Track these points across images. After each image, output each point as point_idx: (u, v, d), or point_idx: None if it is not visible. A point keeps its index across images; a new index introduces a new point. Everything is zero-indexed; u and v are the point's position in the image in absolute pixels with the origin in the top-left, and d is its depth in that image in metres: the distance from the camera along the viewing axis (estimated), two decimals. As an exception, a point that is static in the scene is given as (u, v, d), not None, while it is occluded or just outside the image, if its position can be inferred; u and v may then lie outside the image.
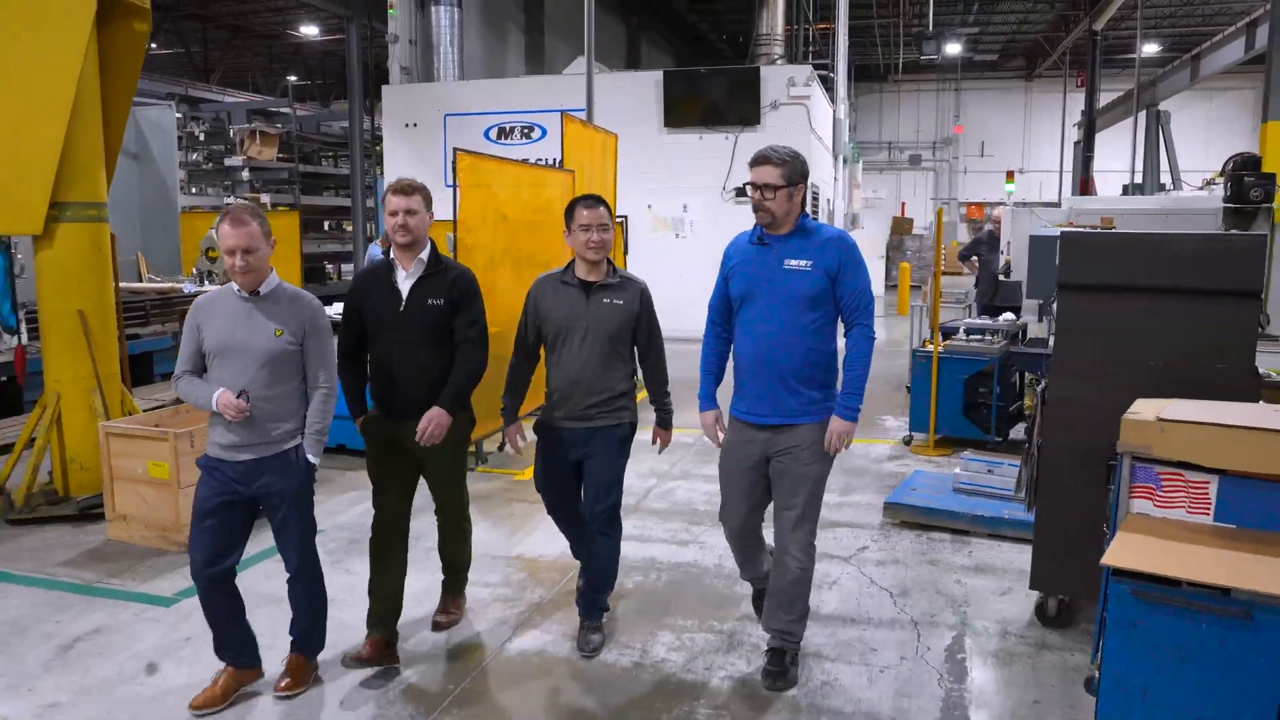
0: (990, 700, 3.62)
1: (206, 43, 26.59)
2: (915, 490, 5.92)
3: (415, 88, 15.51)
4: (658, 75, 14.39)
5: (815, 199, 14.88)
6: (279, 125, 18.05)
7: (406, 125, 15.38)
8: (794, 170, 3.60)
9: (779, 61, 17.32)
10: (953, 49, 26.67)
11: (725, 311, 3.83)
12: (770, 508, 3.82)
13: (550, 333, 3.98)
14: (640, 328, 4.03)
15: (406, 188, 3.85)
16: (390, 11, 15.15)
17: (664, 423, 4.16)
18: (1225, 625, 2.52)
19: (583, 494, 4.09)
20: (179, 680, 3.78)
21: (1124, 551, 2.77)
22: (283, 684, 3.68)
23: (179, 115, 17.05)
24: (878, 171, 32.61)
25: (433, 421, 3.75)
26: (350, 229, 19.17)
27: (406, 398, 3.85)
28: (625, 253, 14.32)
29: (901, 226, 28.25)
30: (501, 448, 6.80)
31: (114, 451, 5.41)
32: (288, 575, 3.71)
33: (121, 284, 7.14)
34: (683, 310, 12.62)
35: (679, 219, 14.43)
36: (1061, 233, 4.08)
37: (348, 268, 20.65)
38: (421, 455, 3.90)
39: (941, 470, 6.67)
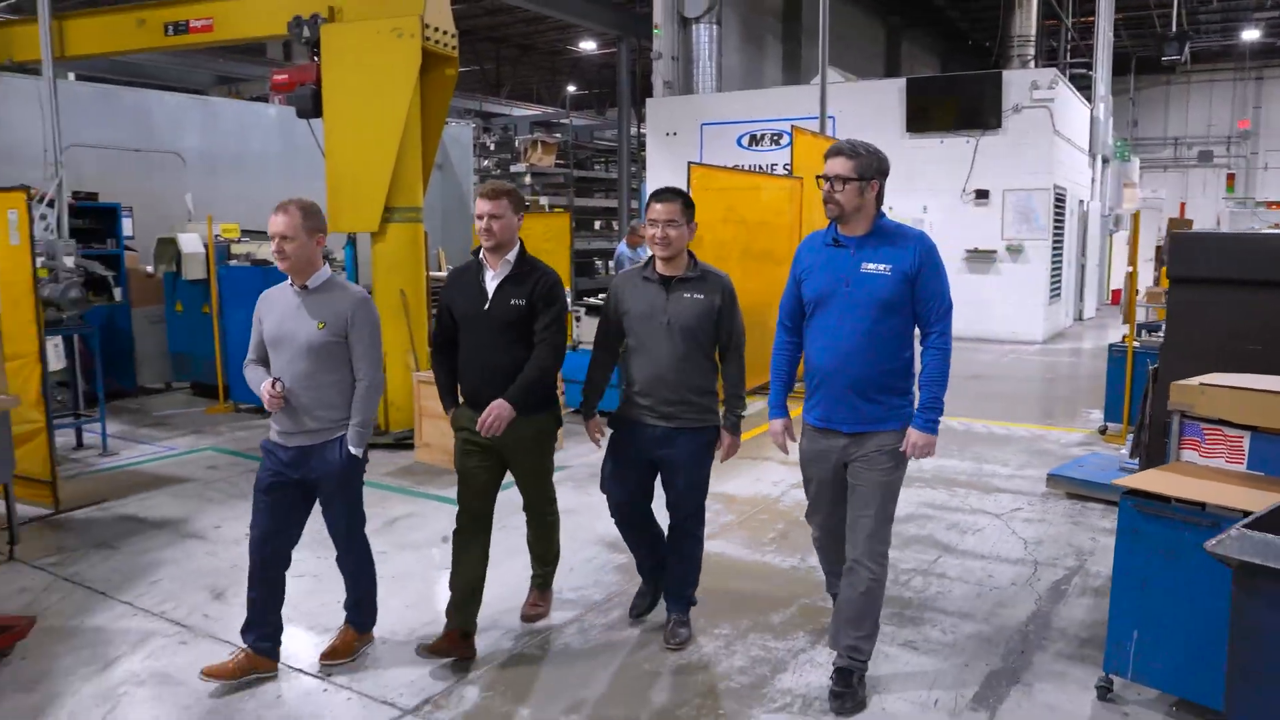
0: (1070, 618, 4.47)
1: (499, 60, 29.87)
2: (1082, 466, 6.61)
3: (675, 100, 17.16)
4: (901, 83, 15.14)
5: (1061, 200, 15.02)
6: (558, 135, 20.41)
7: (667, 134, 17.06)
8: (868, 165, 3.53)
9: (1031, 63, 17.43)
10: (1250, 35, 24.95)
11: (797, 315, 3.76)
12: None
13: (630, 327, 4.04)
14: (721, 323, 4.02)
15: (491, 192, 3.93)
16: (655, 31, 16.88)
17: (732, 429, 4.09)
18: (1200, 533, 3.35)
19: (666, 495, 4.11)
20: (464, 547, 5.36)
21: (1136, 479, 3.62)
22: (326, 652, 3.96)
23: (474, 125, 19.82)
24: (1161, 170, 30.84)
25: (493, 413, 3.82)
26: (617, 228, 21.26)
27: (488, 392, 3.93)
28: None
29: (1179, 228, 26.69)
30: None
31: (423, 395, 7.23)
32: (336, 554, 3.98)
33: (430, 274, 9.12)
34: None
35: (918, 220, 15.07)
36: (1170, 233, 4.79)
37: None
38: (505, 450, 4.01)
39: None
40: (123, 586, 4.77)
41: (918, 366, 3.68)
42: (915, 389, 3.66)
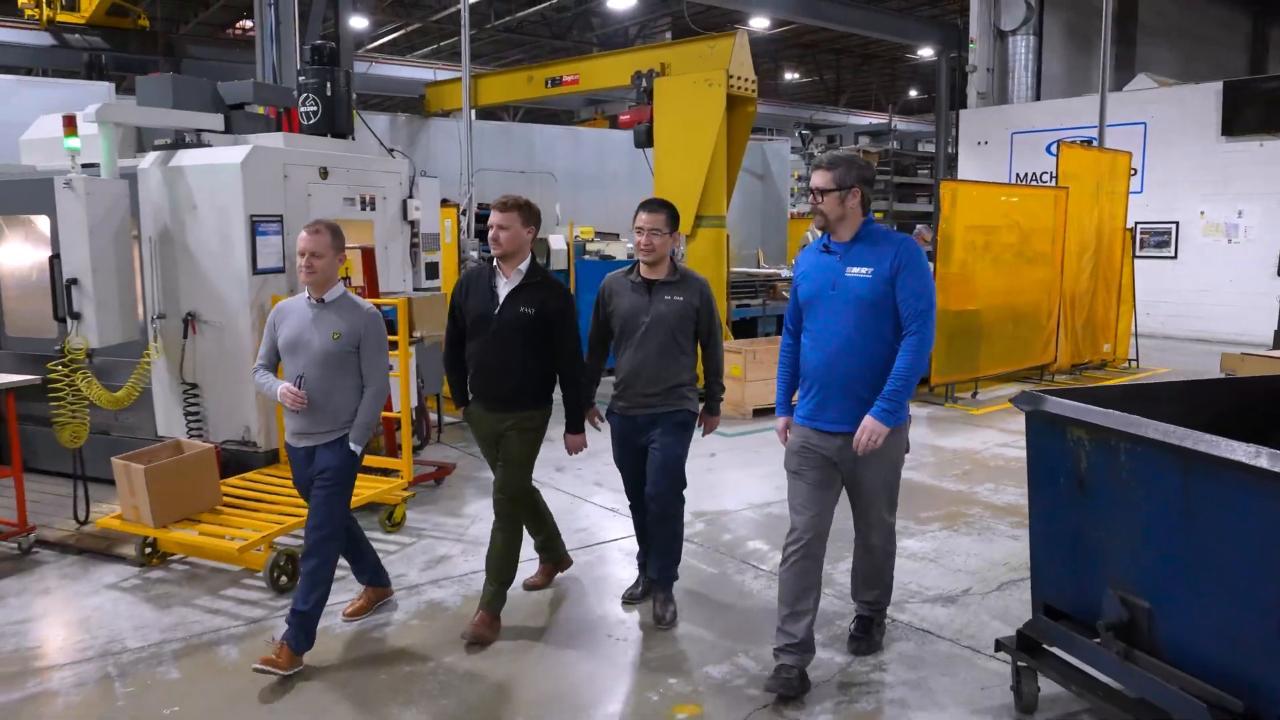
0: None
1: (839, 69, 31.78)
2: None
3: (987, 110, 18.25)
4: (1217, 86, 15.24)
5: None
6: (890, 142, 22.08)
7: (978, 143, 18.22)
8: (846, 175, 3.73)
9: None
10: None
11: (798, 319, 4.01)
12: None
13: (617, 326, 4.49)
14: (701, 321, 4.45)
15: (501, 205, 4.29)
16: (970, 45, 18.09)
17: (712, 410, 4.64)
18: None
19: (647, 476, 4.53)
20: (733, 465, 7.60)
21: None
22: (349, 609, 4.59)
23: (804, 134, 22.05)
24: None
25: (571, 441, 4.56)
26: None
27: (493, 391, 4.38)
28: (1173, 257, 15.67)
29: None
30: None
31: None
32: (309, 545, 4.18)
33: (741, 269, 11.43)
34: (1241, 314, 14.19)
35: (1232, 224, 15.14)
36: None
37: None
38: (501, 440, 4.43)
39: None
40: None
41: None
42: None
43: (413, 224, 7.63)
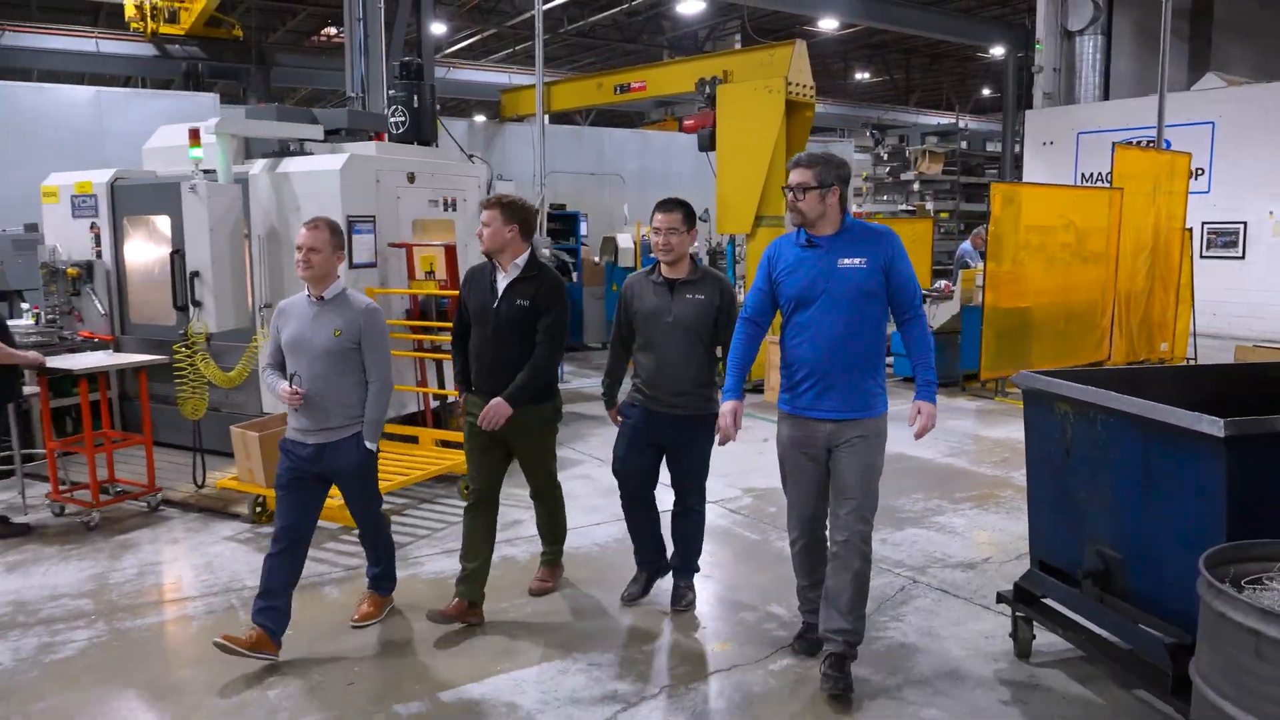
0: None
1: (909, 69, 31.90)
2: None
3: (1053, 110, 18.41)
4: (1285, 85, 15.26)
5: None
6: (958, 142, 22.18)
7: (1044, 144, 18.38)
8: (825, 173, 3.83)
9: None
10: None
11: (767, 312, 4.08)
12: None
13: (639, 326, 4.54)
14: (720, 320, 4.47)
15: (485, 204, 4.50)
16: (1037, 46, 18.27)
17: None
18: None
19: (671, 478, 4.66)
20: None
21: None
22: (357, 615, 4.58)
23: (875, 133, 22.37)
24: None
25: (492, 409, 4.36)
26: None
27: (493, 383, 4.46)
28: (1241, 258, 15.74)
29: None
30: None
31: (771, 353, 10.14)
32: (359, 532, 4.57)
33: None
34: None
35: (1284, 222, 15.15)
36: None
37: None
38: (509, 438, 4.52)
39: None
40: (573, 440, 8.24)
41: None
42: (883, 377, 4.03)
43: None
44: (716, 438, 4.20)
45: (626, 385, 4.76)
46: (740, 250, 12.27)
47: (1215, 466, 3.19)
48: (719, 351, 4.60)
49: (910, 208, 21.30)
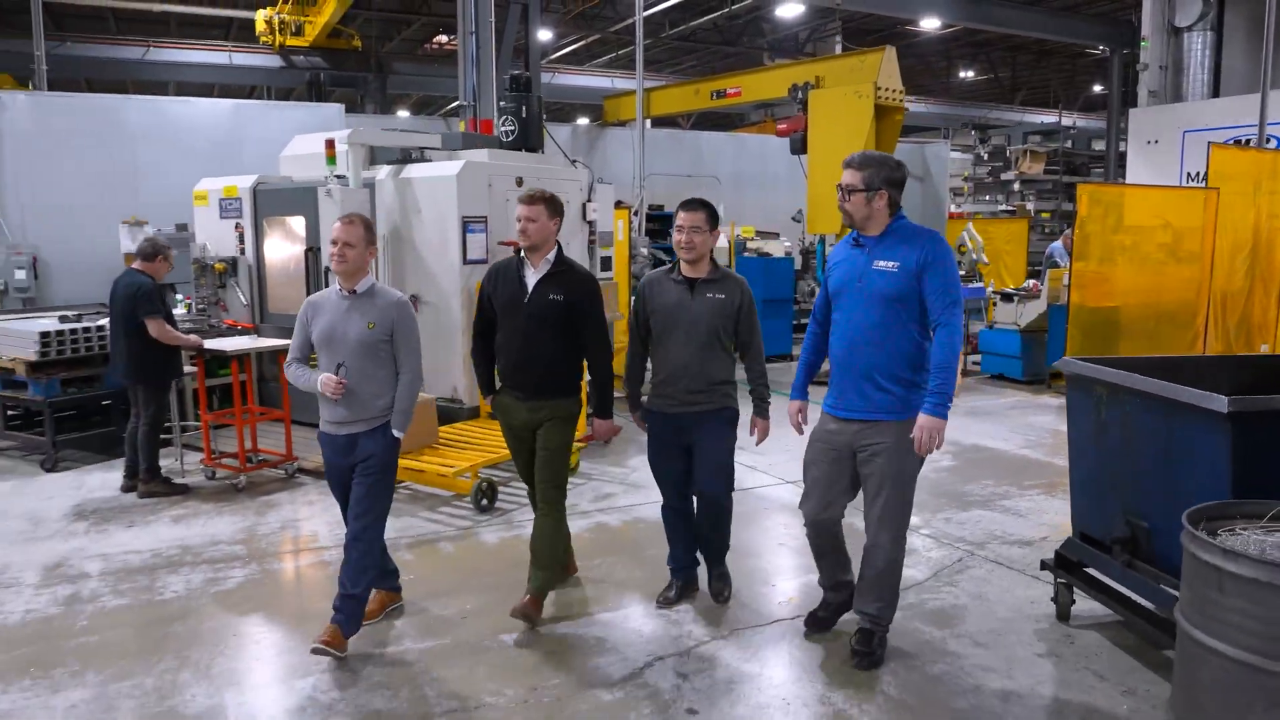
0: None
1: (1015, 66, 31.55)
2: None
3: (1158, 109, 18.22)
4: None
5: None
6: (1061, 141, 22.11)
7: (1148, 142, 18.20)
8: (874, 176, 3.89)
9: None
10: None
11: (826, 310, 4.20)
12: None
13: (657, 325, 4.53)
14: (741, 321, 4.50)
15: (528, 198, 4.44)
16: (1142, 43, 18.11)
17: (762, 413, 4.57)
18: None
19: (696, 474, 4.63)
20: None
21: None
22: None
23: (976, 133, 22.42)
24: None
25: (599, 427, 4.64)
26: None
27: (524, 379, 4.51)
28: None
29: None
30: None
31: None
32: (348, 533, 4.35)
33: None
34: None
35: None
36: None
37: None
38: (531, 432, 4.57)
39: None
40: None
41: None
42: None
43: (590, 224, 9.04)
44: (753, 437, 4.55)
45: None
46: (830, 249, 12.71)
47: (1221, 440, 3.61)
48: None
49: (1010, 208, 21.32)
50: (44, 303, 10.54)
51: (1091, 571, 4.56)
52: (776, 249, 13.35)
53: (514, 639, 4.49)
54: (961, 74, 32.24)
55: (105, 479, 7.21)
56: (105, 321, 7.50)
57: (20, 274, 10.55)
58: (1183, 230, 11.31)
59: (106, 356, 7.37)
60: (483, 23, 11.66)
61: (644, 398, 4.80)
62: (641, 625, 4.65)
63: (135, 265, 6.77)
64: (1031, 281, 12.36)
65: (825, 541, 4.28)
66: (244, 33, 21.41)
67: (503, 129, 8.59)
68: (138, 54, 19.01)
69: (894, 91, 11.06)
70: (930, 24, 22.77)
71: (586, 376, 4.71)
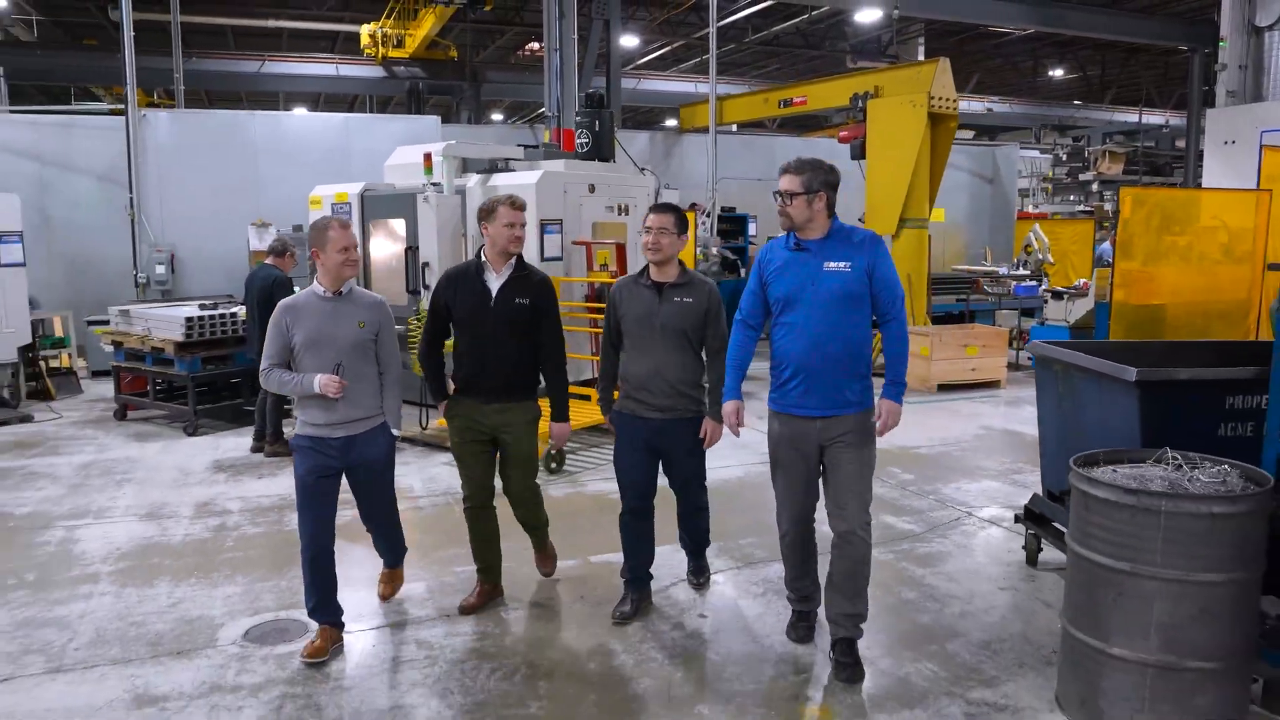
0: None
1: (1104, 65, 31.51)
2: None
3: (1235, 109, 18.43)
4: None
5: None
6: (1141, 140, 22.34)
7: (1225, 143, 18.44)
8: (813, 179, 4.01)
9: None
10: None
11: (760, 314, 4.28)
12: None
13: (628, 329, 4.58)
14: (709, 325, 4.56)
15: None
16: (1221, 43, 18.36)
17: (716, 416, 4.54)
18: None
19: (670, 481, 4.81)
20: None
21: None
22: (384, 591, 4.99)
23: (1054, 134, 22.81)
24: None
25: (557, 430, 4.84)
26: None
27: (489, 383, 4.58)
28: None
29: None
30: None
31: (910, 341, 11.41)
32: (371, 525, 4.74)
33: (962, 267, 13.10)
34: None
35: None
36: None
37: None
38: (497, 434, 4.66)
39: None
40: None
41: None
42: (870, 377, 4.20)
43: (656, 225, 10.10)
44: (706, 438, 4.63)
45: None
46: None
47: (1131, 404, 4.49)
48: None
49: (1089, 208, 21.67)
50: (179, 294, 12.09)
51: (1056, 525, 5.43)
52: (842, 248, 14.19)
53: (569, 564, 5.57)
54: (1051, 73, 32.32)
55: (237, 442, 8.60)
56: (237, 309, 8.91)
57: (160, 269, 12.15)
58: (1238, 231, 11.78)
59: (239, 338, 8.77)
60: (565, 40, 12.85)
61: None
62: (671, 558, 5.63)
63: (268, 260, 8.11)
64: (1082, 280, 12.98)
65: (805, 548, 4.41)
66: (348, 44, 23.12)
67: (578, 141, 9.73)
68: (254, 67, 20.81)
69: (948, 100, 11.86)
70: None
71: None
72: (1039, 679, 4.17)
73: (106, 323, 9.82)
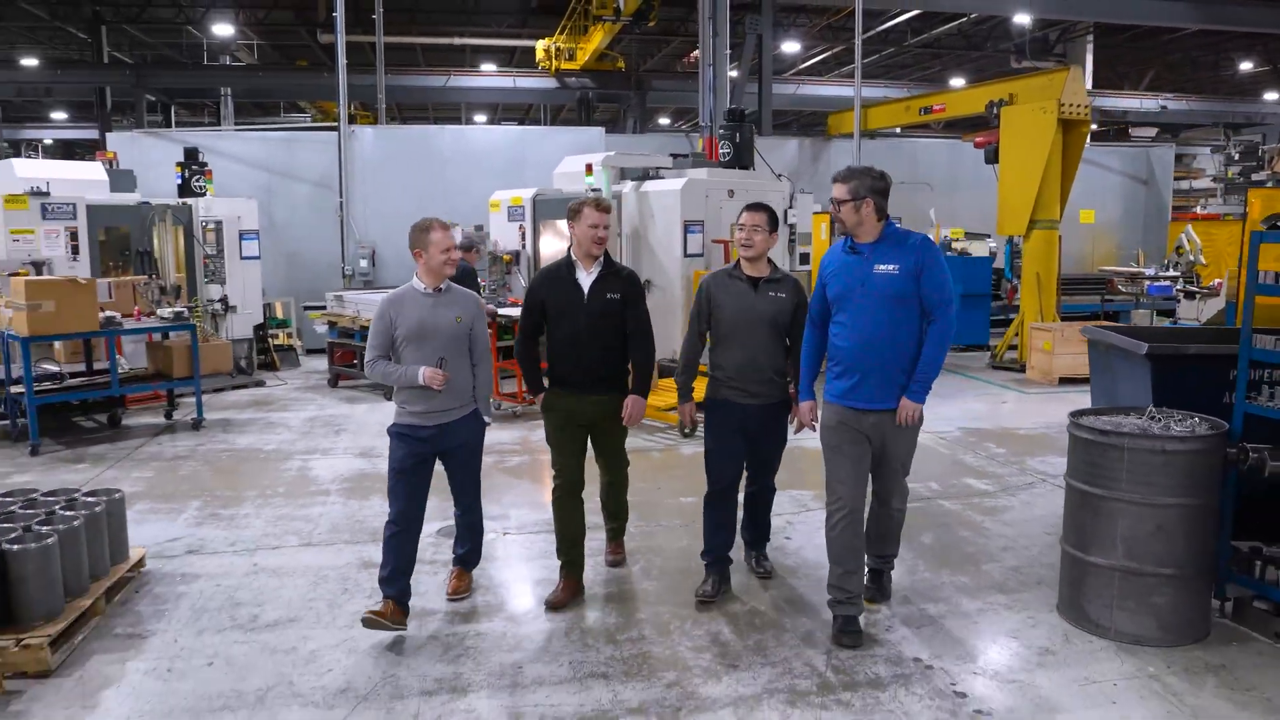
0: None
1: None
2: None
3: None
4: None
5: None
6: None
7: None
8: (860, 186, 4.28)
9: None
10: None
11: (824, 314, 4.54)
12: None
13: (722, 320, 4.87)
14: (796, 316, 4.87)
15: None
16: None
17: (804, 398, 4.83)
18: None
19: (752, 460, 5.10)
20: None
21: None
22: (450, 589, 5.04)
23: (1227, 132, 22.54)
24: None
25: (636, 405, 4.89)
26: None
27: (587, 375, 4.81)
28: None
29: None
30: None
31: (1034, 336, 12.21)
32: (458, 511, 4.95)
33: (1110, 268, 13.72)
34: None
35: None
36: None
37: None
38: (594, 423, 4.92)
39: None
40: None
41: None
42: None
43: (791, 226, 11.35)
44: (791, 425, 5.03)
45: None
46: (1018, 248, 14.29)
47: (1145, 373, 5.51)
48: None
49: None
50: (378, 284, 14.17)
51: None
52: (980, 249, 14.96)
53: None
54: (1242, 65, 31.25)
55: (427, 407, 10.39)
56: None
57: (363, 263, 14.30)
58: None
59: (430, 320, 10.56)
60: (719, 56, 14.24)
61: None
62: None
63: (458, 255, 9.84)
64: (1217, 280, 13.36)
65: (855, 525, 4.55)
66: (524, 57, 25.24)
67: (721, 151, 11.11)
68: (441, 81, 23.14)
69: (1078, 107, 12.56)
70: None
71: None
72: (1050, 594, 5.24)
73: (321, 308, 11.90)
